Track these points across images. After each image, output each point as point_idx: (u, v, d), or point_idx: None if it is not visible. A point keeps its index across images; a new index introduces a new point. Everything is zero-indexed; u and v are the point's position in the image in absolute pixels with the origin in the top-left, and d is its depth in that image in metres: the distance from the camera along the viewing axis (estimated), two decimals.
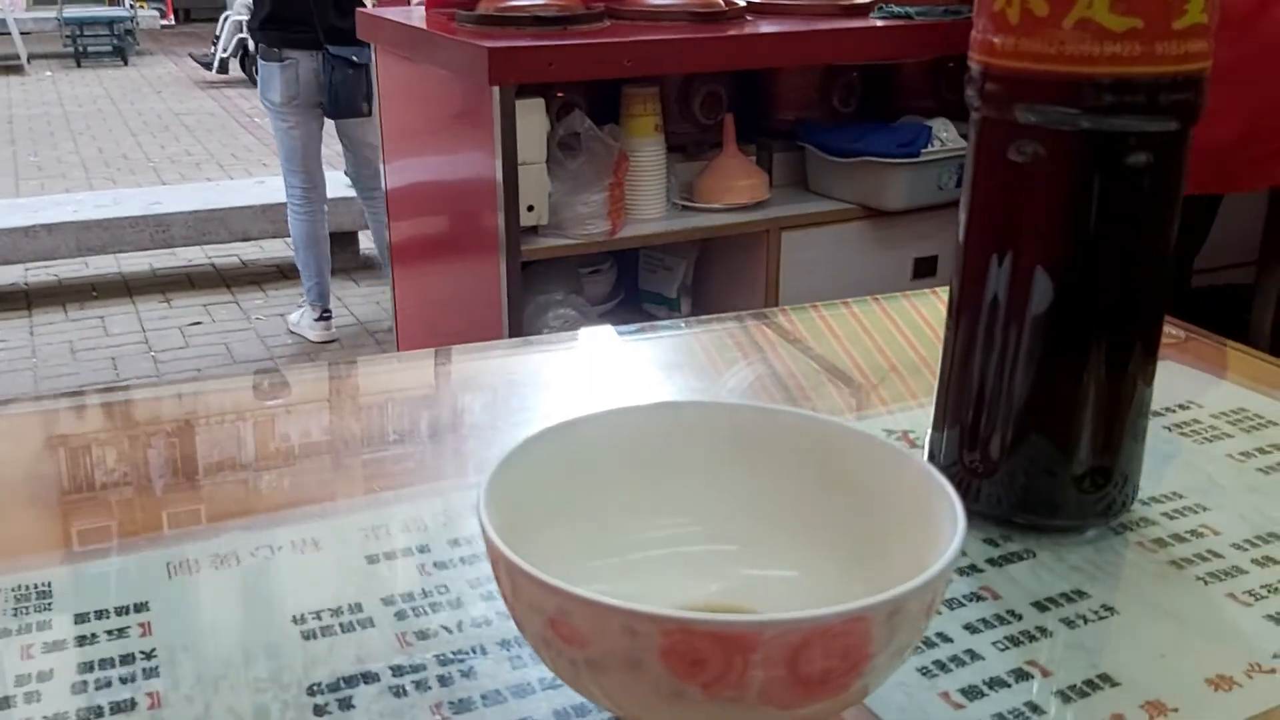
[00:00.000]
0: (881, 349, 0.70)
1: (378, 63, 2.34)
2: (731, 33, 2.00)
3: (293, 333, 3.55)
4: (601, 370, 0.68)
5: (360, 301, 3.84)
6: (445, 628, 0.41)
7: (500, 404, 0.63)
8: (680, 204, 2.08)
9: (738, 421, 0.40)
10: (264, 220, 4.01)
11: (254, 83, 8.35)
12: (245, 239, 4.09)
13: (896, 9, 2.10)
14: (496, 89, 1.76)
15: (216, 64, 8.56)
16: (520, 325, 1.91)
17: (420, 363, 0.68)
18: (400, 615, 0.41)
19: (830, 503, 0.38)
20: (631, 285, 2.28)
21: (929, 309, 0.74)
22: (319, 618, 0.41)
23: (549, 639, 0.31)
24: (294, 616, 0.41)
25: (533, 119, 1.82)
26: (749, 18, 2.12)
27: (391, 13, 2.22)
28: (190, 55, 9.42)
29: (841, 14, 2.15)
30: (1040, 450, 0.46)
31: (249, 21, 3.35)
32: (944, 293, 0.80)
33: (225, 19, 8.58)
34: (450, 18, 2.02)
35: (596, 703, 0.34)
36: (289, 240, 4.28)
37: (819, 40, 2.04)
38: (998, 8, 0.43)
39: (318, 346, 3.46)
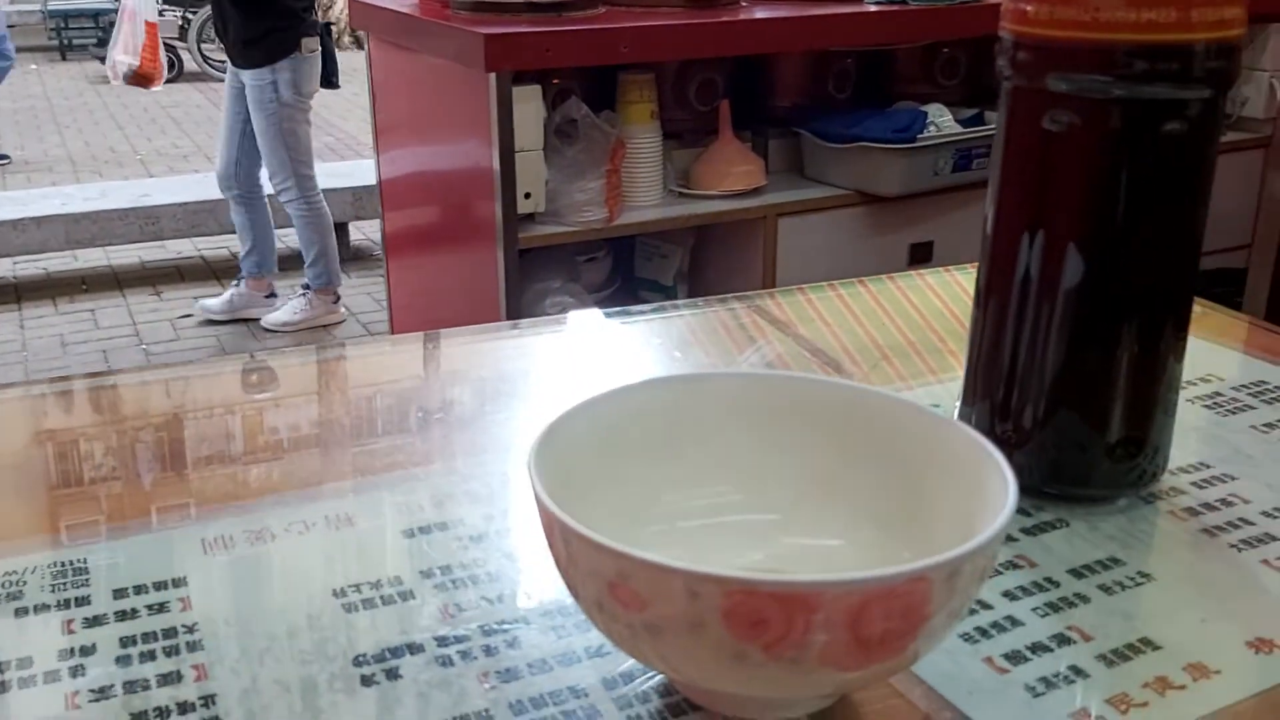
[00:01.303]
0: (870, 334, 0.70)
1: (370, 51, 2.33)
2: (727, 18, 2.00)
3: (273, 330, 3.50)
4: (614, 351, 0.68)
5: (352, 292, 3.82)
6: (486, 599, 0.41)
7: (519, 384, 0.63)
8: (677, 191, 2.08)
9: (776, 390, 0.40)
10: None
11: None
12: (235, 231, 4.06)
13: None
14: (493, 76, 1.75)
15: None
16: (518, 314, 1.90)
17: (443, 344, 0.68)
18: (440, 588, 0.41)
19: (870, 470, 0.39)
20: (628, 273, 2.27)
21: (916, 292, 0.75)
22: (359, 590, 0.41)
23: (605, 604, 0.31)
24: (334, 590, 0.41)
25: (529, 106, 1.81)
26: (744, 3, 2.12)
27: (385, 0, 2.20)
28: (91, 52, 9.15)
29: None
30: (1072, 422, 0.46)
31: (276, 24, 3.05)
32: (931, 276, 0.80)
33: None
34: (444, 4, 2.01)
35: (651, 667, 0.34)
36: (279, 232, 4.26)
37: (815, 25, 2.04)
38: None
39: (312, 338, 3.45)
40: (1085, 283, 0.45)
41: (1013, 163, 0.46)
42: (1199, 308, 0.69)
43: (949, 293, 0.75)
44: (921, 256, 2.17)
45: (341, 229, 4.13)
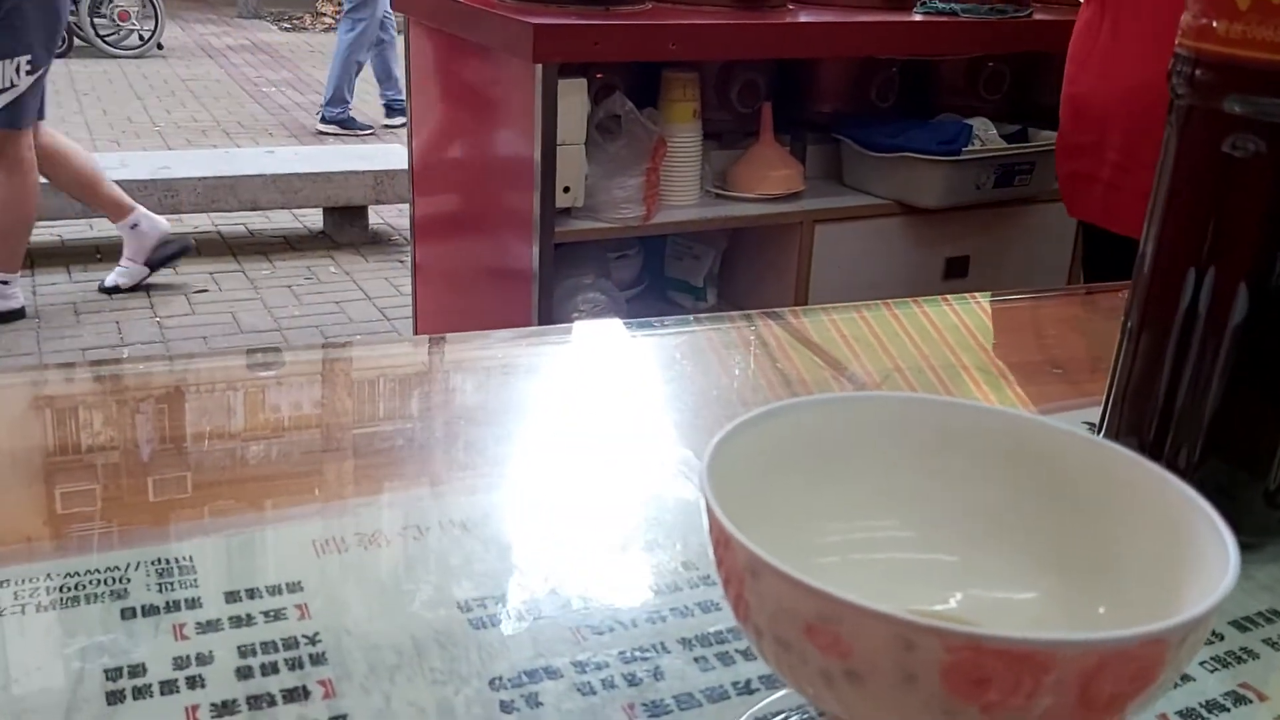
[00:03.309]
0: (895, 359, 0.67)
1: (410, 34, 2.30)
2: (775, 20, 1.97)
3: None
4: (680, 362, 0.66)
5: (369, 277, 3.80)
6: (620, 623, 0.38)
7: (629, 393, 0.61)
8: (714, 192, 2.05)
9: (944, 416, 0.38)
10: (273, 190, 3.96)
11: None
12: (254, 208, 4.04)
13: (941, 5, 2.07)
14: (539, 66, 1.72)
15: None
16: (549, 309, 1.88)
17: (541, 344, 0.66)
18: (567, 606, 0.39)
19: (1048, 510, 0.36)
20: (658, 272, 2.25)
21: (941, 317, 0.73)
22: (484, 605, 0.39)
23: (796, 644, 0.29)
24: (459, 603, 0.38)
25: (574, 99, 1.79)
26: (791, 6, 2.09)
27: None
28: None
29: (885, 6, 2.12)
30: (1230, 465, 0.44)
31: None
32: (958, 302, 0.78)
33: None
34: None
35: (831, 712, 0.32)
36: (296, 212, 4.25)
37: (863, 32, 2.02)
38: None
39: (326, 322, 3.43)
40: (1254, 321, 0.42)
41: (1182, 187, 0.44)
42: None
43: (975, 321, 0.73)
44: (957, 271, 2.15)
45: (360, 212, 4.12)
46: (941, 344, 0.68)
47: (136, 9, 7.92)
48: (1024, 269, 2.18)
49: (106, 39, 7.81)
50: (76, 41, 7.70)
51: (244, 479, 0.47)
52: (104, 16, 7.83)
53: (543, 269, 1.84)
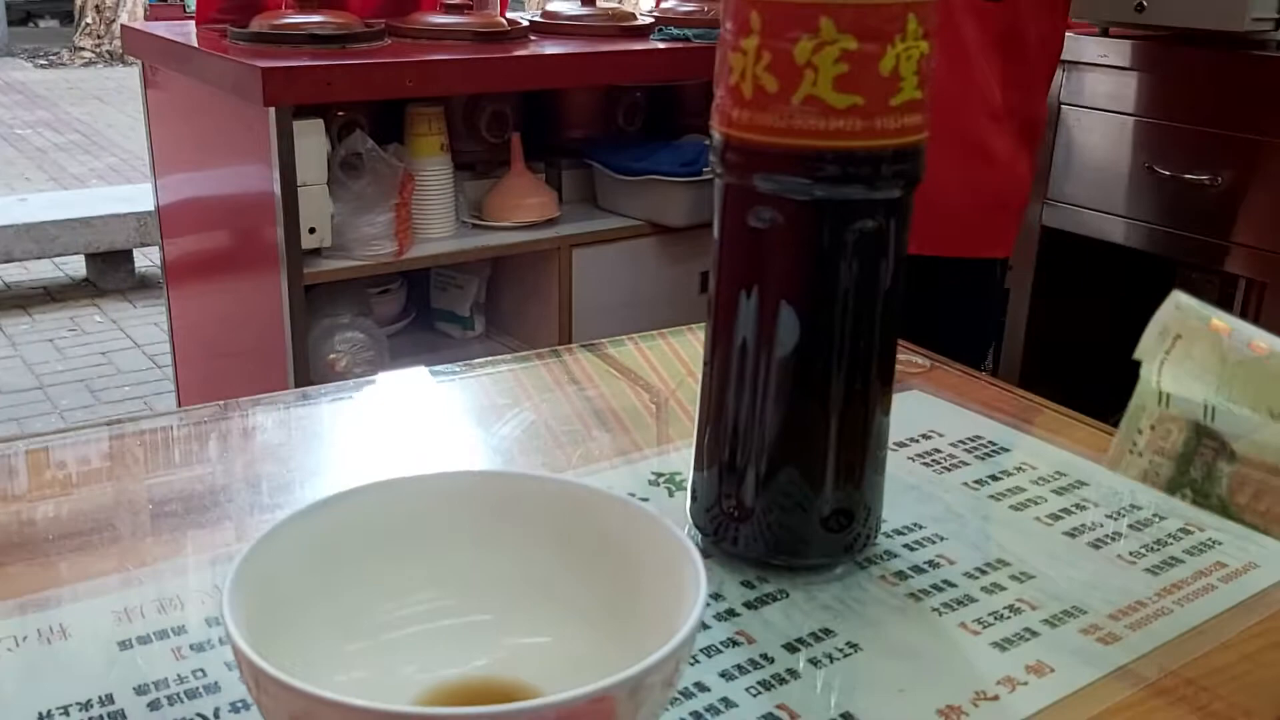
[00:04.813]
0: (668, 385, 0.72)
1: (145, 78, 2.23)
2: (515, 53, 2.01)
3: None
4: (375, 424, 0.68)
5: (138, 323, 3.66)
6: (201, 715, 0.40)
7: (271, 466, 0.62)
8: (470, 222, 2.07)
9: (487, 489, 0.41)
10: (28, 240, 3.77)
11: None
12: (8, 260, 3.83)
13: (675, 31, 2.15)
14: (272, 110, 1.71)
15: None
16: (305, 350, 1.86)
17: (189, 418, 0.66)
18: (154, 705, 0.40)
19: (582, 566, 0.40)
20: (423, 304, 2.25)
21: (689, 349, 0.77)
22: (66, 714, 0.40)
23: None
24: (39, 714, 0.39)
25: (311, 140, 1.78)
26: (533, 38, 2.13)
27: (160, 28, 2.12)
28: None
29: (623, 35, 2.19)
30: (787, 489, 0.49)
31: None
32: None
33: None
34: (222, 34, 1.96)
35: None
36: (57, 260, 4.05)
37: (601, 61, 2.07)
38: (733, 82, 0.45)
39: (92, 375, 3.28)
40: (791, 357, 0.47)
41: (727, 250, 0.49)
42: (928, 362, 0.74)
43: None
44: None
45: (125, 257, 3.96)
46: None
47: None
48: None
49: None
50: None
51: None
52: None
53: (293, 312, 1.82)
